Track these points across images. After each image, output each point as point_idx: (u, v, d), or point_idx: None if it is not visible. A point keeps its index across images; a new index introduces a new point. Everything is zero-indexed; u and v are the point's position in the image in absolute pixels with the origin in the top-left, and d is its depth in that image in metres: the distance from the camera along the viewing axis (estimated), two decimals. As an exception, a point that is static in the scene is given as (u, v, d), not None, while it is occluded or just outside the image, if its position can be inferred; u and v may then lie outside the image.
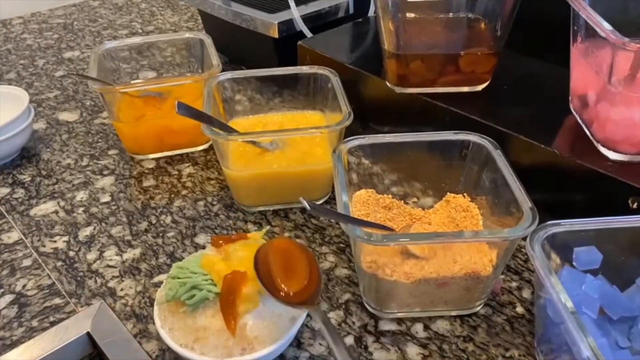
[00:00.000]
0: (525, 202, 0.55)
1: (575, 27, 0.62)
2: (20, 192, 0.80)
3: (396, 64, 0.72)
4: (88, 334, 0.60)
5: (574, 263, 0.52)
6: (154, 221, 0.74)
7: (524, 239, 0.51)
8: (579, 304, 0.48)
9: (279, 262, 0.51)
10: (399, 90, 0.75)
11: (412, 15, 0.70)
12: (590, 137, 0.63)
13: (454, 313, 0.60)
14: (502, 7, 0.68)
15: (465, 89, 0.74)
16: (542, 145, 0.63)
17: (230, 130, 0.72)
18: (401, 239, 0.54)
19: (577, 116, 0.67)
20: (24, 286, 0.65)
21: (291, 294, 0.50)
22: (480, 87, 0.74)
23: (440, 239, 0.55)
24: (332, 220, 0.73)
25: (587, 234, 0.52)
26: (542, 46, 0.78)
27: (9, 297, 0.64)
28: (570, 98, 0.68)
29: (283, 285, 0.50)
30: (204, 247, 0.69)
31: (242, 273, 0.51)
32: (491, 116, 0.69)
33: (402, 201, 0.69)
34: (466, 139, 0.64)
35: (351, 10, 1.00)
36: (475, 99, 0.73)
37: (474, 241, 0.55)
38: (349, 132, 0.68)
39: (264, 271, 0.50)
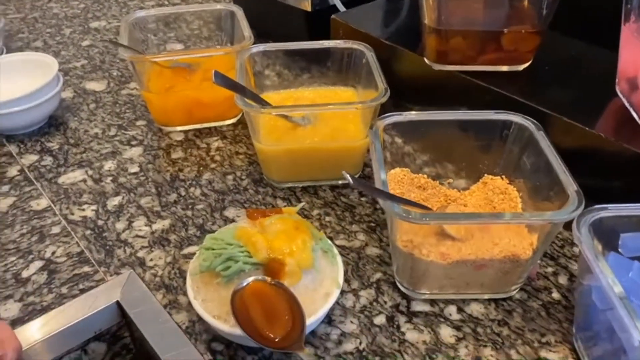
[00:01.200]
0: (570, 185, 0.53)
1: (629, 6, 0.59)
2: (48, 160, 0.80)
3: (436, 40, 0.70)
4: (117, 302, 0.60)
5: (620, 249, 0.51)
6: (183, 193, 0.73)
7: (568, 222, 0.50)
8: (627, 292, 0.47)
9: (258, 307, 0.49)
10: (437, 67, 0.73)
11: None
12: (638, 121, 0.61)
13: (488, 296, 0.59)
14: (549, -17, 0.66)
15: (505, 68, 0.72)
16: (587, 128, 0.61)
17: (263, 103, 0.70)
18: (442, 218, 0.53)
19: (624, 99, 0.64)
20: (53, 253, 0.65)
21: (276, 340, 0.47)
22: (521, 67, 0.72)
23: (482, 220, 0.53)
24: (363, 199, 0.72)
25: (634, 219, 0.51)
26: (586, 27, 0.75)
27: (38, 263, 0.64)
28: (617, 80, 0.65)
29: (267, 332, 0.47)
30: (233, 221, 0.68)
31: (287, 250, 0.50)
32: (532, 97, 0.67)
33: (437, 182, 0.67)
34: (508, 119, 0.62)
35: (386, -14, 0.97)
36: (516, 79, 0.71)
37: (517, 223, 0.53)
38: (382, 111, 0.67)
39: (244, 318, 0.48)
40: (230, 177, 0.76)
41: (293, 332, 0.48)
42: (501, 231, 0.56)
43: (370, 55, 0.75)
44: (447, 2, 0.67)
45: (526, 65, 0.72)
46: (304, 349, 0.47)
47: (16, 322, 0.57)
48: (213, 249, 0.52)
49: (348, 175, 0.47)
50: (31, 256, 0.65)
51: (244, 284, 0.49)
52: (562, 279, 0.61)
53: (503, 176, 0.65)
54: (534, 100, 0.66)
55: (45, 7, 1.28)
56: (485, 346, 0.55)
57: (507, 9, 0.68)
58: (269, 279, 0.50)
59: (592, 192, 0.58)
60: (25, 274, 0.63)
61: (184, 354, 0.54)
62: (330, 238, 0.64)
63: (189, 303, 0.58)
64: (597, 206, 0.50)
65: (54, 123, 0.88)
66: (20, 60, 0.90)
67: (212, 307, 0.51)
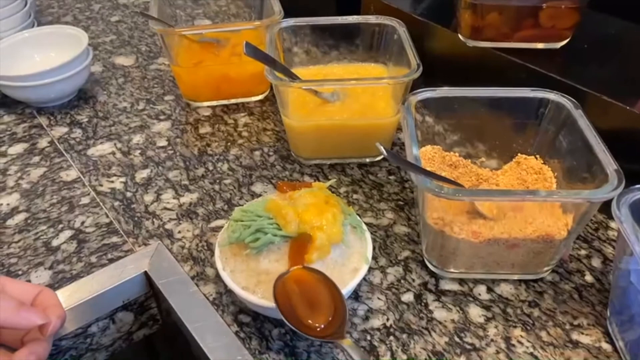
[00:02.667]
0: (610, 164, 0.51)
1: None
2: (77, 132, 0.81)
3: (471, 16, 0.68)
4: (145, 273, 0.60)
5: (660, 231, 0.49)
6: (210, 168, 0.73)
7: (603, 204, 0.48)
8: (667, 274, 0.45)
9: (300, 294, 0.48)
10: (471, 43, 0.71)
11: (492, -38, 0.66)
12: (681, 101, 0.59)
13: (518, 277, 0.58)
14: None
15: (541, 45, 0.70)
16: (627, 107, 0.59)
17: (293, 77, 0.69)
18: (476, 195, 0.52)
19: (666, 78, 0.62)
20: (82, 223, 0.66)
21: (318, 328, 0.46)
22: (559, 45, 0.70)
23: (517, 197, 0.52)
24: (391, 177, 0.71)
25: (676, 201, 0.49)
26: (626, 5, 0.73)
27: (68, 233, 0.64)
28: (659, 59, 0.63)
29: (309, 320, 0.47)
30: (260, 196, 0.68)
31: (317, 223, 0.50)
32: (570, 75, 0.65)
33: (469, 160, 0.66)
34: (545, 96, 0.61)
35: (418, -38, 0.95)
36: (553, 57, 0.69)
37: (554, 201, 0.52)
38: (412, 89, 0.65)
39: (285, 305, 0.47)
40: (257, 153, 0.76)
41: (334, 321, 0.47)
42: (535, 211, 0.54)
43: (402, 31, 0.73)
44: (484, -24, 0.66)
45: (564, 43, 0.70)
46: (345, 339, 0.46)
47: (47, 289, 0.58)
48: (242, 221, 0.52)
49: (382, 148, 0.47)
50: (61, 225, 0.65)
51: (287, 272, 0.49)
52: (596, 262, 0.60)
53: (537, 156, 0.63)
54: (572, 79, 0.64)
55: (75, -17, 1.29)
56: (515, 327, 0.54)
57: (546, -17, 0.66)
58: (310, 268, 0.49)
59: (632, 174, 0.56)
60: (55, 242, 0.63)
61: (211, 325, 0.54)
62: (358, 215, 0.63)
63: (217, 275, 0.58)
64: (637, 186, 0.48)
65: (83, 96, 0.88)
66: (51, 33, 0.90)
67: (241, 278, 0.51)
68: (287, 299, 0.48)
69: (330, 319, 0.47)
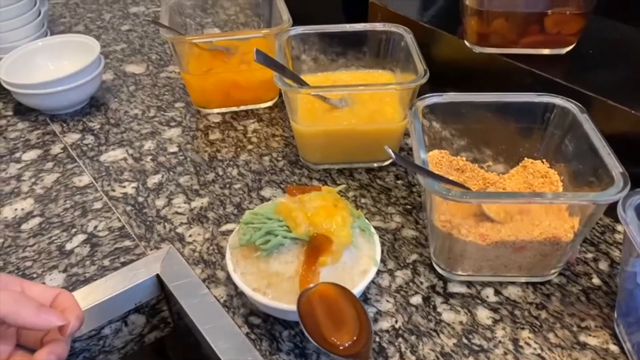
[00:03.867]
0: (615, 166, 0.52)
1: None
2: (90, 139, 0.82)
3: (477, 22, 0.69)
4: (157, 276, 0.61)
5: (666, 233, 0.50)
6: (220, 173, 0.74)
7: (609, 207, 0.49)
8: (673, 274, 0.46)
9: (325, 311, 0.47)
10: (478, 49, 0.72)
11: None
12: (686, 105, 0.60)
13: (525, 279, 0.58)
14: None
15: (547, 51, 0.71)
16: (632, 111, 0.60)
17: (302, 83, 0.71)
18: (483, 197, 0.53)
19: (671, 83, 0.63)
20: (95, 227, 0.67)
21: (342, 347, 0.45)
22: (564, 50, 0.70)
23: (524, 199, 0.52)
24: (399, 182, 0.72)
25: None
26: (631, 11, 0.73)
27: (81, 237, 0.66)
28: (664, 64, 0.64)
29: (334, 339, 0.46)
30: (269, 200, 0.69)
31: (326, 226, 0.51)
32: (575, 80, 0.65)
33: (476, 165, 0.67)
34: (550, 101, 0.61)
35: (424, -30, 0.96)
36: (559, 62, 0.70)
37: (560, 203, 0.52)
38: (419, 95, 0.66)
39: (310, 322, 0.46)
40: (266, 158, 0.77)
41: (360, 340, 0.46)
42: (542, 214, 0.55)
43: (409, 38, 0.74)
44: (489, -18, 0.67)
45: (569, 48, 0.71)
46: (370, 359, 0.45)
47: (61, 292, 0.59)
48: (252, 224, 0.53)
49: (390, 151, 0.47)
50: (74, 229, 0.67)
51: (312, 286, 0.49)
52: (603, 265, 0.60)
53: (544, 160, 0.64)
54: (577, 83, 0.64)
55: (86, -7, 1.31)
56: (522, 329, 0.54)
57: (552, -11, 0.67)
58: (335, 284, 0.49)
59: (637, 177, 0.57)
60: (68, 246, 0.64)
61: (222, 327, 0.55)
62: (366, 219, 0.64)
63: (227, 278, 0.59)
64: (643, 188, 0.49)
65: (95, 104, 0.90)
66: (64, 42, 0.92)
67: (251, 280, 0.52)
68: (311, 314, 0.47)
69: (355, 338, 0.46)
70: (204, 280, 0.60)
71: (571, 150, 0.60)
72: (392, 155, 0.48)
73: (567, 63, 0.70)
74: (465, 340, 0.53)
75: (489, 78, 0.74)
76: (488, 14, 0.69)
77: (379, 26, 0.78)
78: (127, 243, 0.65)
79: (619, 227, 0.65)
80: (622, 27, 0.75)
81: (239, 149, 0.79)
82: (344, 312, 0.48)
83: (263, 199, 0.70)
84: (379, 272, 0.60)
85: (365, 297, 0.57)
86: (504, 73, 0.71)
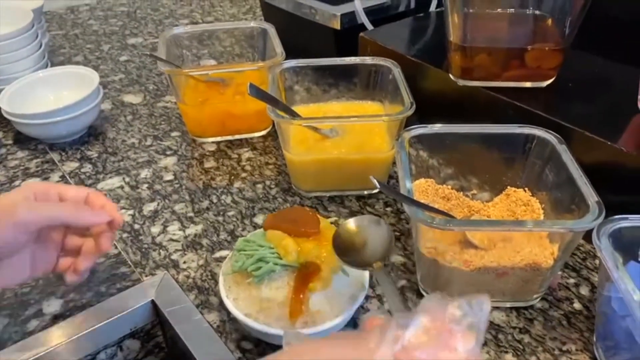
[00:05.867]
0: (591, 195, 0.54)
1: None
2: (88, 167, 0.84)
3: (461, 57, 0.73)
4: (152, 301, 0.63)
5: (640, 259, 0.52)
6: (215, 200, 0.77)
7: (587, 234, 0.51)
8: (646, 299, 0.48)
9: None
10: (462, 82, 0.75)
11: (480, 8, 0.70)
12: (660, 136, 0.63)
13: (509, 304, 0.60)
14: (572, 3, 0.68)
15: (528, 84, 0.74)
16: (608, 142, 0.63)
17: (294, 115, 0.73)
18: (465, 225, 0.55)
19: (646, 115, 0.66)
20: (92, 254, 0.69)
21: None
22: (545, 83, 0.74)
23: (505, 227, 0.55)
24: (388, 209, 0.74)
25: (654, 230, 0.52)
26: (608, 45, 0.77)
27: (78, 263, 0.67)
28: (639, 97, 0.67)
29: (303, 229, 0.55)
30: (262, 227, 0.71)
31: (316, 253, 0.53)
32: (555, 112, 0.68)
33: (461, 193, 0.69)
34: (531, 132, 0.64)
35: (412, 5, 1.00)
36: (539, 95, 0.73)
37: (538, 231, 0.55)
38: (407, 126, 0.69)
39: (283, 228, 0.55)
40: (260, 186, 0.79)
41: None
42: (523, 241, 0.57)
43: (397, 71, 0.77)
44: (472, 20, 0.70)
45: (549, 81, 0.74)
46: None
47: (58, 318, 0.61)
48: (245, 251, 0.55)
49: (375, 181, 0.50)
50: (72, 256, 0.68)
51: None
52: (584, 290, 0.63)
53: (526, 188, 0.67)
54: (557, 115, 0.68)
55: (85, 25, 1.35)
56: (506, 352, 0.56)
57: (531, 27, 0.71)
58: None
59: (613, 206, 0.59)
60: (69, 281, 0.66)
61: (215, 352, 0.56)
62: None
63: (220, 303, 0.61)
64: (617, 216, 0.51)
65: (93, 133, 0.92)
66: (64, 73, 0.95)
67: (243, 306, 0.53)
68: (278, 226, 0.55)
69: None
70: (197, 306, 0.61)
71: (551, 179, 0.63)
72: (377, 184, 0.50)
73: (547, 96, 0.73)
74: (450, 364, 0.55)
75: (473, 109, 0.77)
76: (471, 49, 0.72)
77: (368, 60, 0.82)
78: (124, 269, 0.67)
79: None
80: (600, 61, 0.79)
81: (233, 177, 0.81)
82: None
83: (256, 226, 0.72)
84: (368, 297, 0.62)
85: (354, 322, 0.59)
86: (487, 105, 0.74)
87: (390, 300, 0.46)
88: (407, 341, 0.31)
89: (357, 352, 0.32)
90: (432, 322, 0.32)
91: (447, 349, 0.31)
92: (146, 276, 0.65)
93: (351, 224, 0.54)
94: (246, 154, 0.86)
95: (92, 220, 0.53)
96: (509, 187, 0.68)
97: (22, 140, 0.90)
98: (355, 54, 0.92)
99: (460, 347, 0.31)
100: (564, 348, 0.56)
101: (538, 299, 0.61)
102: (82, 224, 0.53)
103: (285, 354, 0.36)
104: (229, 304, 0.54)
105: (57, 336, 0.58)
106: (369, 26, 0.94)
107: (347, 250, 0.52)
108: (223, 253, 0.68)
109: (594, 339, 0.56)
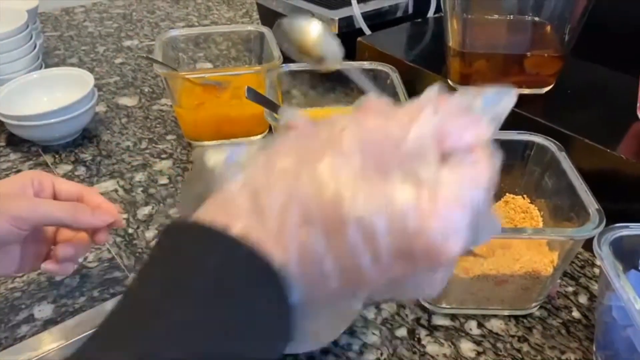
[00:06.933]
0: (591, 203, 0.54)
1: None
2: (81, 170, 0.83)
3: (460, 63, 0.72)
4: (146, 307, 0.61)
5: (640, 268, 0.52)
6: (210, 205, 0.76)
7: (586, 242, 0.51)
8: (647, 309, 0.48)
9: None
10: (461, 88, 0.75)
11: (479, 14, 0.70)
12: (659, 144, 0.62)
13: (508, 313, 0.60)
14: (571, 11, 0.68)
15: (527, 91, 0.74)
16: (608, 150, 0.63)
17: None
18: (464, 233, 0.54)
19: (645, 123, 0.66)
20: (85, 258, 0.68)
21: None
22: (543, 90, 0.73)
23: (504, 235, 0.54)
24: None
25: (655, 239, 0.52)
26: (608, 53, 0.77)
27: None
28: (638, 105, 0.67)
29: None
30: (258, 233, 0.70)
31: None
32: (554, 119, 0.68)
33: (459, 199, 0.69)
34: (530, 139, 0.64)
35: (410, 11, 1.00)
36: (538, 101, 0.73)
37: (538, 238, 0.54)
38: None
39: None
40: (256, 190, 0.78)
41: None
42: (522, 249, 0.57)
43: (395, 76, 0.77)
44: (471, 26, 0.70)
45: (548, 88, 0.74)
46: None
47: (49, 323, 0.59)
48: (242, 256, 0.54)
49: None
50: (64, 260, 0.67)
51: None
52: (583, 299, 0.62)
53: (525, 196, 0.66)
54: (556, 122, 0.67)
55: (81, 26, 1.34)
56: (505, 361, 0.56)
57: (530, 33, 0.71)
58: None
59: (614, 214, 0.59)
60: (58, 277, 0.65)
61: (210, 359, 0.55)
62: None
63: (216, 309, 0.60)
64: (618, 225, 0.51)
65: (87, 135, 0.91)
66: (58, 74, 0.94)
67: (240, 312, 0.52)
68: None
69: None
70: (192, 312, 0.60)
71: (550, 186, 0.62)
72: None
73: (546, 102, 0.73)
74: (449, 373, 0.55)
75: (472, 115, 0.76)
76: (470, 55, 0.72)
77: (366, 64, 0.81)
78: (117, 274, 0.65)
79: (598, 262, 0.66)
80: (599, 68, 0.79)
81: (229, 182, 0.80)
82: None
83: (252, 231, 0.71)
84: (364, 305, 0.61)
85: (351, 329, 0.58)
86: (486, 111, 0.73)
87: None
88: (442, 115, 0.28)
89: (390, 122, 0.28)
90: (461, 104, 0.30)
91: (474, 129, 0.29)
92: (140, 281, 0.64)
93: None
94: (242, 158, 0.85)
95: (92, 223, 0.53)
96: (507, 194, 0.67)
97: (15, 142, 0.89)
98: (353, 59, 0.91)
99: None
100: (564, 357, 0.56)
101: (537, 307, 0.60)
102: (81, 225, 0.53)
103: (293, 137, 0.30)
104: (224, 310, 0.53)
105: (48, 341, 0.57)
106: (367, 31, 0.94)
107: None
108: (218, 258, 0.67)
109: (594, 348, 0.55)
